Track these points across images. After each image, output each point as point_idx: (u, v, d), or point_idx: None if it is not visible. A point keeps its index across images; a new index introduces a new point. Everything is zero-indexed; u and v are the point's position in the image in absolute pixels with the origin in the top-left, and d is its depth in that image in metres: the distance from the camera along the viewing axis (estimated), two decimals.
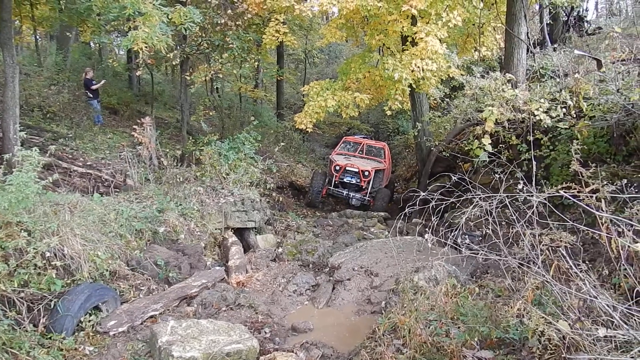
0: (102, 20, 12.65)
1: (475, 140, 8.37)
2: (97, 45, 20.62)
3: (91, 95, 12.95)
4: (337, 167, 12.88)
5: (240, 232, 8.73)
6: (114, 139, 11.96)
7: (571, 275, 3.12)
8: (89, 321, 4.92)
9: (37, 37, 20.44)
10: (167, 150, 9.66)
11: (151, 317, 5.38)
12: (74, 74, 15.44)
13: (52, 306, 4.80)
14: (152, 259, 6.30)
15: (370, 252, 7.68)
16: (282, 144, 15.17)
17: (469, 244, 4.09)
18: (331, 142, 24.39)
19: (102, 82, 13.36)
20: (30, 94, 12.73)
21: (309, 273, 7.51)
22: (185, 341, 4.39)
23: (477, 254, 3.90)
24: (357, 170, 12.76)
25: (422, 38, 10.24)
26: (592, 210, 2.91)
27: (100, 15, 12.33)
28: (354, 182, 12.79)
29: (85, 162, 9.57)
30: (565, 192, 3.07)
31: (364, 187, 12.76)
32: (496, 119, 8.10)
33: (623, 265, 3.04)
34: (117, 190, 8.19)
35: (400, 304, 5.12)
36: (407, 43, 11.20)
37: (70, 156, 9.65)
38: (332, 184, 12.87)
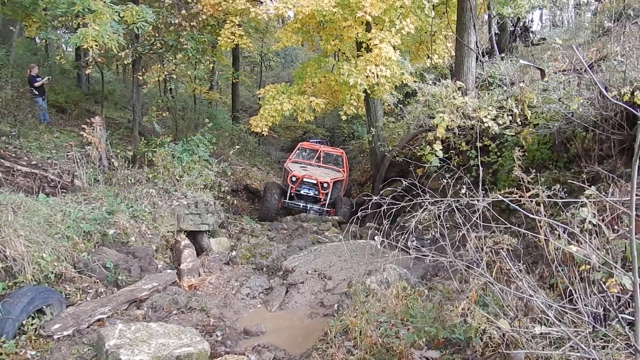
0: (48, 16, 12.24)
1: (428, 145, 8.59)
2: (44, 41, 19.90)
3: (36, 93, 12.50)
4: (294, 178, 12.34)
5: (193, 235, 8.61)
6: (61, 138, 11.58)
7: (512, 276, 3.28)
8: (32, 324, 4.75)
9: None
10: (118, 151, 9.46)
11: (98, 320, 5.25)
12: (18, 69, 14.82)
13: None
14: (100, 261, 6.15)
15: (324, 256, 7.75)
16: (237, 147, 15.04)
17: (418, 247, 4.21)
18: (287, 146, 24.45)
19: (46, 78, 12.88)
20: None
21: (263, 276, 7.50)
22: (134, 345, 4.31)
23: (426, 256, 4.02)
24: (315, 181, 12.28)
25: (376, 44, 10.43)
26: (529, 214, 3.07)
27: (46, 10, 11.92)
28: (312, 194, 12.31)
29: (29, 162, 9.23)
30: (506, 196, 3.23)
31: (321, 199, 12.32)
32: (447, 126, 8.34)
33: (559, 266, 3.22)
34: (65, 191, 7.94)
35: (352, 306, 5.20)
36: (362, 49, 11.39)
37: (13, 155, 9.29)
38: (288, 195, 12.31)
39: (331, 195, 12.41)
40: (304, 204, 12.22)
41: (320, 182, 12.25)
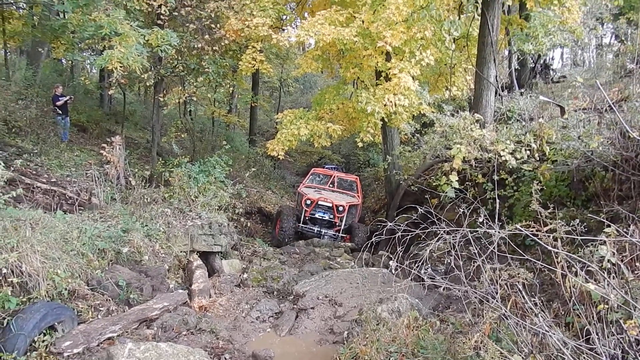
0: (76, 38, 12.59)
1: (443, 176, 8.57)
2: (70, 62, 20.43)
3: (60, 112, 12.76)
4: (309, 201, 12.12)
5: (205, 256, 8.64)
6: (81, 157, 11.77)
7: (527, 311, 3.23)
8: (43, 341, 4.74)
9: (7, 51, 20.10)
10: (136, 170, 9.57)
11: (109, 338, 5.25)
12: (44, 89, 15.21)
13: (4, 324, 4.64)
14: (113, 279, 6.17)
15: (336, 282, 7.69)
16: (253, 169, 15.12)
17: (432, 276, 4.17)
18: (302, 171, 24.58)
19: (68, 97, 13.10)
20: None
21: (273, 300, 7.46)
22: None
23: (440, 286, 3.99)
24: (330, 204, 12.04)
25: (395, 74, 10.51)
26: (548, 247, 3.03)
27: (74, 33, 12.27)
28: (327, 217, 12.02)
29: (49, 179, 9.37)
30: (524, 229, 3.21)
31: (337, 224, 12.03)
32: (464, 157, 8.31)
33: (575, 304, 3.16)
34: (82, 208, 8.04)
35: (362, 334, 5.14)
36: (381, 78, 11.49)
37: (34, 172, 9.44)
38: (302, 219, 12.05)
39: (346, 221, 12.16)
40: (319, 229, 11.93)
41: (336, 205, 11.98)
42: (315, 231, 11.97)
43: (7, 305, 4.75)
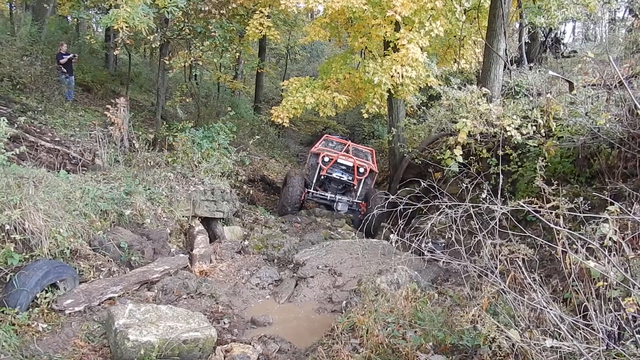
0: None
1: (448, 150, 8.53)
2: (75, 20, 20.16)
3: (64, 70, 12.65)
4: (327, 159, 11.05)
5: (207, 222, 8.68)
6: (85, 117, 11.73)
7: (525, 286, 3.25)
8: (45, 298, 4.83)
9: (12, 5, 19.81)
10: (140, 133, 9.51)
11: (109, 299, 5.33)
12: (49, 46, 15.03)
13: (7, 280, 4.70)
14: (115, 240, 6.23)
15: (336, 252, 7.74)
16: (257, 137, 14.98)
17: (432, 250, 4.18)
18: (306, 140, 24.47)
19: (72, 55, 12.93)
20: (1, 63, 12.36)
21: (273, 268, 7.53)
22: (143, 325, 4.36)
23: (440, 260, 4.00)
24: (351, 164, 10.95)
25: (404, 45, 10.35)
26: (550, 224, 3.02)
27: None
28: (345, 178, 11.06)
29: (53, 138, 9.36)
30: (526, 205, 3.20)
31: (354, 187, 11.16)
32: (469, 131, 8.26)
33: (574, 280, 3.18)
34: (85, 169, 8.05)
35: (360, 304, 5.19)
36: (389, 48, 11.32)
37: (38, 130, 9.43)
38: (314, 184, 11.17)
39: (361, 191, 11.27)
40: (332, 196, 11.04)
41: (357, 165, 10.94)
42: (328, 198, 11.13)
43: (10, 261, 4.81)
